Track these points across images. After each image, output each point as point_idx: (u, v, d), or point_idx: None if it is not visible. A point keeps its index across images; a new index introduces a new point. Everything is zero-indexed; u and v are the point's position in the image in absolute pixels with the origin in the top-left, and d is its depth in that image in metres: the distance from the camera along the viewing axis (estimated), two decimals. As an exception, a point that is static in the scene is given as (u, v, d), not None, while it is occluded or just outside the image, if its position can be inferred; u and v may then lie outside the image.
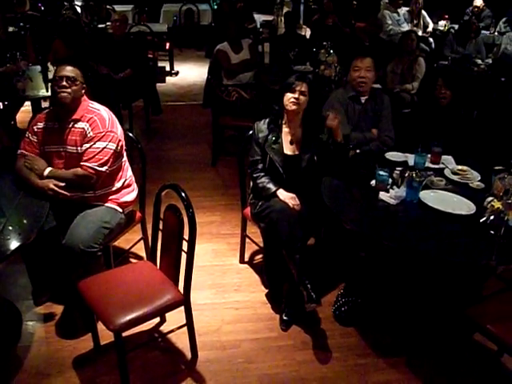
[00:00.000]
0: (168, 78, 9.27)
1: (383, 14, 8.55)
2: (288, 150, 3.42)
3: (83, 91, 3.15)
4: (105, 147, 3.08)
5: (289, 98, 3.30)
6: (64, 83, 3.03)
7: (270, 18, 9.80)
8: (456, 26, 8.57)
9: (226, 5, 9.69)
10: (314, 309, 3.13)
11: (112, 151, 3.10)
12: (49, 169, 3.07)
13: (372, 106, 3.90)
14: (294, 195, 3.28)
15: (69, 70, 3.08)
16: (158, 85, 7.75)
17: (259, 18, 10.24)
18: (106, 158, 3.08)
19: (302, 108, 3.34)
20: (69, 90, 3.04)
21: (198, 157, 5.94)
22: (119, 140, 3.16)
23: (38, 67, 5.60)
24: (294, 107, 3.30)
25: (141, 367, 2.94)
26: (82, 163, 3.06)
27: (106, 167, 3.09)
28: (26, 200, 2.94)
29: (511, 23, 8.74)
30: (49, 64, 5.58)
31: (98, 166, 3.05)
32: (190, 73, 9.76)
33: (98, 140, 3.07)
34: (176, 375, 2.93)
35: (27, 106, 5.92)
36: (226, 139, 6.15)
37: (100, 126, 3.09)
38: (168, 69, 9.56)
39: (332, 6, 8.62)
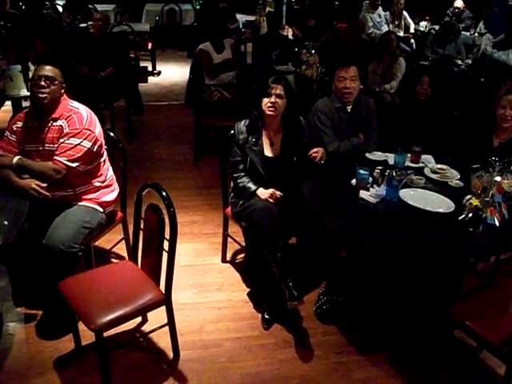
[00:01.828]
0: (150, 78, 9.22)
1: (364, 15, 8.61)
2: (268, 152, 3.42)
3: (62, 91, 3.14)
4: (78, 144, 3.04)
5: (266, 102, 3.29)
6: (43, 83, 3.02)
7: (252, 18, 9.80)
8: (437, 27, 8.66)
9: (208, 5, 9.68)
10: (296, 307, 3.14)
11: (86, 149, 3.07)
12: (17, 157, 3.05)
13: (358, 112, 3.83)
14: (272, 190, 3.29)
15: (48, 70, 3.07)
16: (140, 85, 7.74)
17: (242, 18, 10.25)
18: (79, 154, 3.05)
19: (280, 111, 3.33)
20: (47, 90, 3.03)
21: (180, 157, 5.93)
22: (96, 139, 3.13)
23: (19, 66, 5.56)
24: (271, 112, 3.29)
25: (122, 367, 2.93)
26: (54, 157, 3.04)
27: (76, 164, 3.05)
28: (5, 200, 2.92)
29: (488, 23, 8.82)
30: (29, 63, 5.53)
31: (68, 160, 3.02)
32: (172, 73, 9.73)
33: (72, 136, 3.05)
34: (158, 375, 2.93)
35: (7, 105, 5.88)
36: (208, 139, 6.14)
37: (77, 123, 3.07)
38: (150, 69, 9.52)
39: (314, 7, 8.64)
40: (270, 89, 3.29)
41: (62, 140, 3.05)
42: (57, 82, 3.07)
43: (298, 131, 3.43)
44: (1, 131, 3.63)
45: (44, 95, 3.02)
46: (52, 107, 3.09)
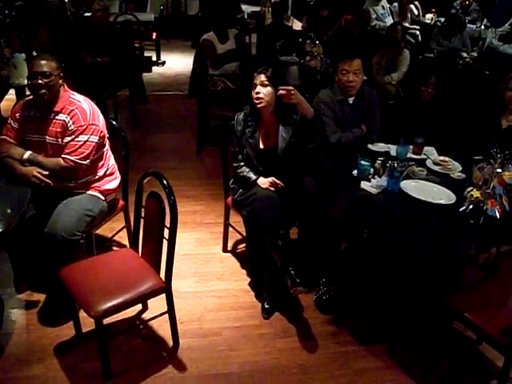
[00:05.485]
0: (154, 68, 9.22)
1: (367, 8, 8.55)
2: (263, 144, 3.39)
3: (61, 81, 3.09)
4: (87, 140, 3.05)
5: (253, 94, 3.26)
6: (39, 81, 2.96)
7: (257, 8, 9.78)
8: (443, 19, 8.60)
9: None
10: (300, 293, 3.16)
11: (94, 144, 3.08)
12: (28, 152, 3.05)
13: (361, 104, 3.81)
14: (271, 178, 3.27)
15: (42, 65, 2.99)
16: (145, 74, 7.72)
17: (247, 8, 10.22)
18: (88, 151, 3.06)
19: (269, 101, 3.24)
20: (44, 90, 2.97)
21: (182, 146, 5.93)
22: (101, 131, 3.14)
23: (23, 55, 5.53)
24: (259, 102, 3.23)
25: (122, 354, 2.95)
26: (63, 156, 3.04)
27: (88, 160, 3.07)
28: (8, 186, 2.93)
29: (490, 14, 8.77)
30: (34, 52, 5.51)
31: (79, 159, 3.03)
32: (177, 63, 9.72)
33: (80, 133, 3.04)
34: (157, 362, 2.94)
35: (11, 94, 5.87)
36: (211, 129, 6.14)
37: (81, 119, 3.05)
38: (154, 58, 9.50)
39: None
40: (254, 79, 3.26)
41: (69, 138, 3.04)
42: (53, 77, 3.00)
43: (295, 121, 3.35)
44: (5, 120, 3.64)
45: (43, 91, 2.98)
46: (53, 100, 3.06)
